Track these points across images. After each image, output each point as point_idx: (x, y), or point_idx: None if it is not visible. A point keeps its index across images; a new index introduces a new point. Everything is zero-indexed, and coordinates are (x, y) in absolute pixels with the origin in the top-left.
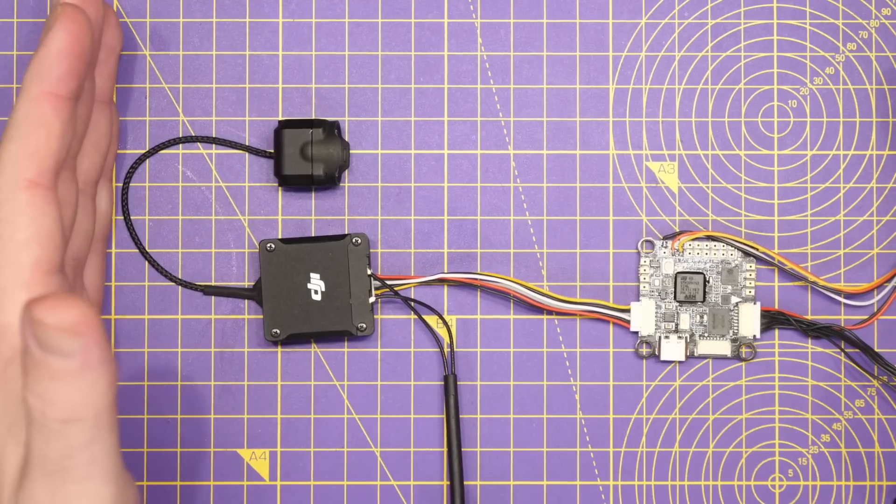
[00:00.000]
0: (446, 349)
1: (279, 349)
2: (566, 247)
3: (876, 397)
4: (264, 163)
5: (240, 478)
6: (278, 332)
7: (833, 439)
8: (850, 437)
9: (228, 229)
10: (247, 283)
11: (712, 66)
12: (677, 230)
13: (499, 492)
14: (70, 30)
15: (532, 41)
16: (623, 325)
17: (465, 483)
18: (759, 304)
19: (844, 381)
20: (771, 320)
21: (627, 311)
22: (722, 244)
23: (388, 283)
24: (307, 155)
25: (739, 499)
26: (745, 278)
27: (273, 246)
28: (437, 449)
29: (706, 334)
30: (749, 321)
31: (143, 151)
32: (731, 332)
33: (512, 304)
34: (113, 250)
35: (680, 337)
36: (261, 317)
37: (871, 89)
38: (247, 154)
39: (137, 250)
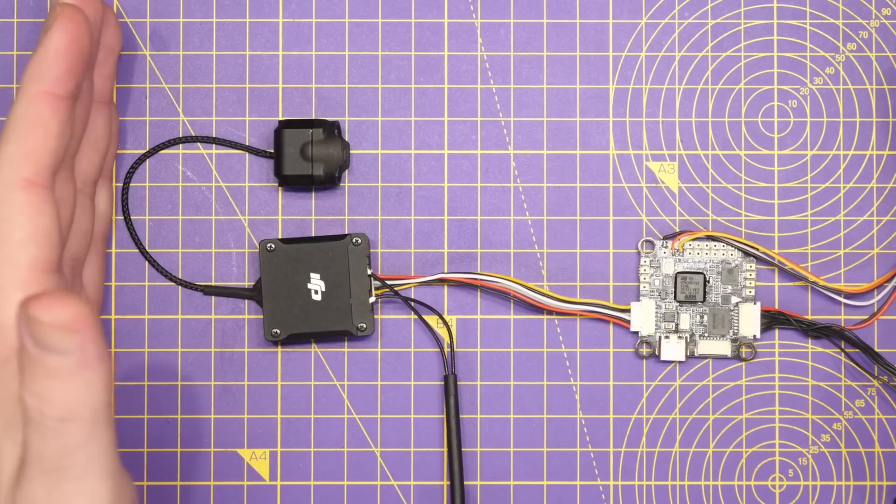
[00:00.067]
0: (446, 349)
1: (279, 349)
2: (566, 247)
3: (876, 397)
4: (264, 163)
5: (240, 478)
6: (278, 332)
7: (833, 439)
8: (850, 437)
9: (228, 229)
10: (247, 283)
11: (712, 66)
12: (677, 230)
13: (499, 492)
14: (68, 30)
15: (532, 41)
16: (623, 325)
17: (465, 483)
18: (759, 304)
19: (844, 381)
20: (771, 320)
21: (627, 311)
22: (722, 244)
23: (388, 283)
24: (307, 155)
25: (739, 499)
26: (746, 278)
27: (273, 246)
28: (437, 449)
29: (706, 334)
30: (749, 321)
31: (143, 151)
32: (731, 332)
33: (512, 304)
34: (113, 250)
35: (680, 337)
36: (261, 317)
37: (871, 89)
38: (247, 154)
39: (137, 250)
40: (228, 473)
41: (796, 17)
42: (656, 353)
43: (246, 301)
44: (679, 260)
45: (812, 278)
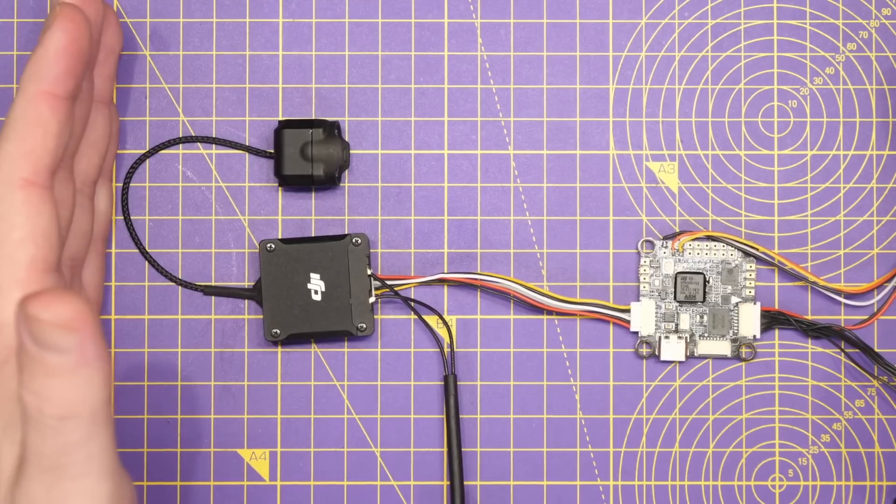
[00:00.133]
0: (446, 349)
1: (279, 349)
2: (566, 247)
3: (876, 397)
4: (264, 163)
5: (240, 478)
6: (278, 332)
7: (833, 439)
8: (850, 437)
9: (228, 229)
10: (247, 283)
11: (712, 66)
12: (677, 230)
13: (499, 492)
14: (68, 29)
15: (532, 41)
16: (623, 325)
17: (465, 483)
18: (759, 304)
19: (844, 381)
20: (771, 320)
21: (627, 311)
22: (722, 244)
23: (388, 283)
24: (307, 155)
25: (739, 499)
26: (745, 278)
27: (273, 246)
28: (437, 449)
29: (706, 334)
30: (749, 321)
31: (143, 151)
32: (731, 332)
33: (512, 304)
34: (113, 250)
35: (680, 337)
36: (261, 317)
37: (871, 89)
38: (247, 154)
39: (137, 250)
40: (228, 473)
41: (796, 17)
42: (656, 353)
43: (246, 301)
44: (679, 260)
45: (812, 278)
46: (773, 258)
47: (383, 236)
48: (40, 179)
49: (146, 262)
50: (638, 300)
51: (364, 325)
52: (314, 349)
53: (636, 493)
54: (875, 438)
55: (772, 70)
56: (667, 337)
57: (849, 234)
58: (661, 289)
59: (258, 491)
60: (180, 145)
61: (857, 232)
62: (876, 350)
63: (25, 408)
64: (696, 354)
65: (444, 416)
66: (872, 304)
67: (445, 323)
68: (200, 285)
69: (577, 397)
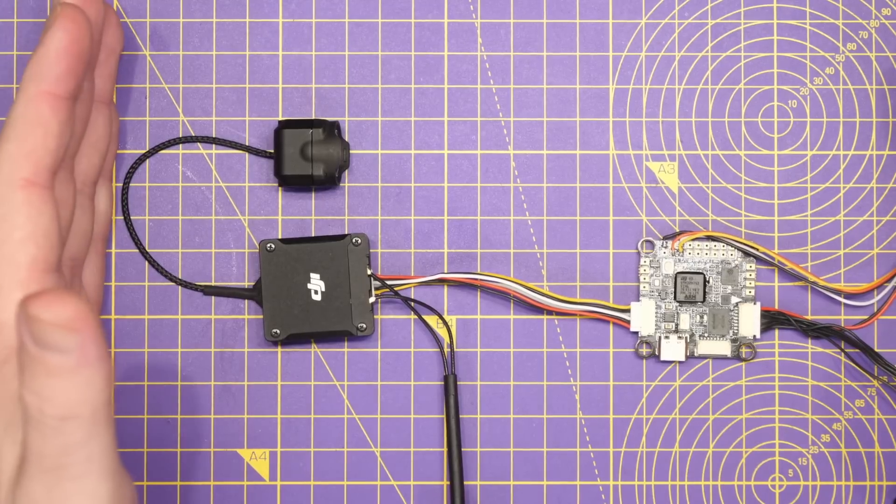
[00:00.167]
0: (446, 349)
1: (279, 349)
2: (566, 247)
3: (876, 397)
4: (264, 163)
5: (240, 478)
6: (278, 332)
7: (833, 439)
8: (850, 437)
9: (228, 229)
10: (247, 283)
11: (712, 66)
12: (677, 230)
13: (499, 492)
14: (69, 29)
15: (532, 41)
16: (623, 325)
17: (465, 483)
18: (759, 304)
19: (844, 381)
20: (771, 320)
21: (627, 311)
22: (722, 244)
23: (388, 283)
24: (307, 155)
25: (739, 499)
26: (745, 278)
27: (273, 246)
28: (437, 449)
29: (706, 334)
30: (749, 321)
31: (143, 151)
32: (731, 332)
33: (512, 304)
34: (113, 250)
35: (680, 337)
36: (261, 317)
37: (871, 89)
38: (247, 154)
39: (137, 250)
40: (228, 473)
41: (796, 17)
42: (656, 353)
43: (246, 301)
44: (679, 260)
45: (812, 278)
46: (773, 258)
47: (383, 236)
48: (41, 179)
49: (146, 262)
50: (638, 300)
51: (364, 325)
52: (314, 349)
53: (636, 493)
54: (875, 438)
55: (772, 70)
56: (667, 337)
57: (849, 234)
58: (661, 289)
59: (258, 491)
60: (180, 145)
61: (857, 232)
62: (876, 350)
63: (26, 408)
64: (696, 354)
65: (444, 416)
66: (872, 304)
67: (445, 323)
68: (200, 285)
69: (577, 397)
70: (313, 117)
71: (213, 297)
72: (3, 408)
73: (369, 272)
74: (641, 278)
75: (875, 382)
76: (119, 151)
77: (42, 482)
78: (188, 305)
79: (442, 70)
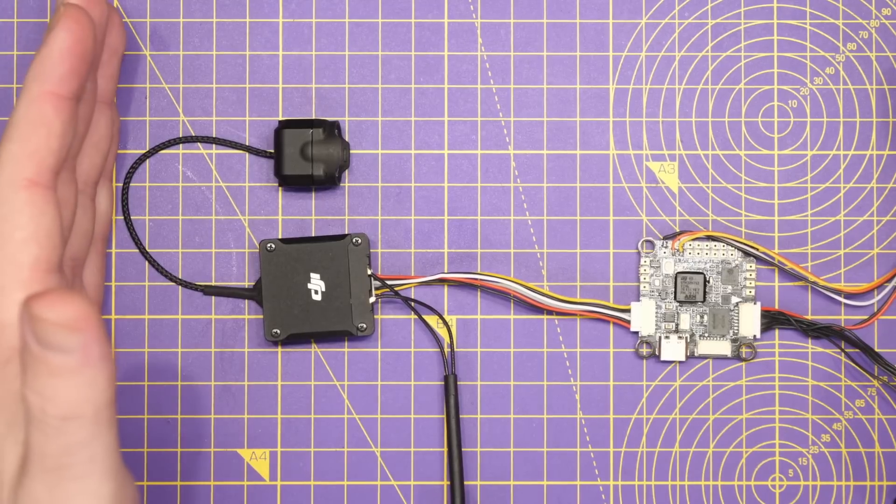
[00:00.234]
0: (446, 349)
1: (279, 349)
2: (566, 247)
3: (876, 397)
4: (264, 163)
5: (240, 478)
6: (278, 332)
7: (833, 439)
8: (850, 437)
9: (228, 229)
10: (247, 283)
11: (712, 66)
12: (677, 230)
13: (499, 492)
14: (73, 30)
15: (532, 41)
16: (623, 325)
17: (465, 483)
18: (759, 304)
19: (844, 381)
20: (771, 320)
21: (627, 311)
22: (722, 244)
23: (388, 283)
24: (307, 155)
25: (739, 499)
26: (746, 278)
27: (273, 246)
28: (437, 449)
29: (706, 334)
30: (749, 321)
31: (143, 151)
32: (731, 332)
33: (512, 304)
34: (113, 250)
35: (680, 337)
36: (261, 317)
37: (871, 89)
38: (247, 154)
39: (137, 250)
40: (228, 473)
41: (796, 17)
42: (656, 353)
43: (246, 301)
44: (679, 260)
45: (812, 278)
46: (773, 258)
47: (383, 236)
48: (44, 180)
49: (146, 262)
50: (638, 300)
51: (364, 325)
52: (314, 349)
53: (636, 493)
54: (875, 438)
55: (772, 70)
56: (667, 337)
57: (849, 234)
58: (662, 289)
59: (258, 491)
60: (180, 145)
61: (857, 232)
62: (876, 350)
63: (29, 408)
64: (696, 354)
65: (444, 416)
66: (872, 304)
67: (445, 323)
68: (200, 285)
69: (577, 397)
70: (313, 117)
71: (213, 297)
72: (5, 408)
73: (369, 272)
74: (641, 278)
75: (875, 382)
76: (119, 151)
77: (44, 482)
78: (188, 305)
79: (442, 70)
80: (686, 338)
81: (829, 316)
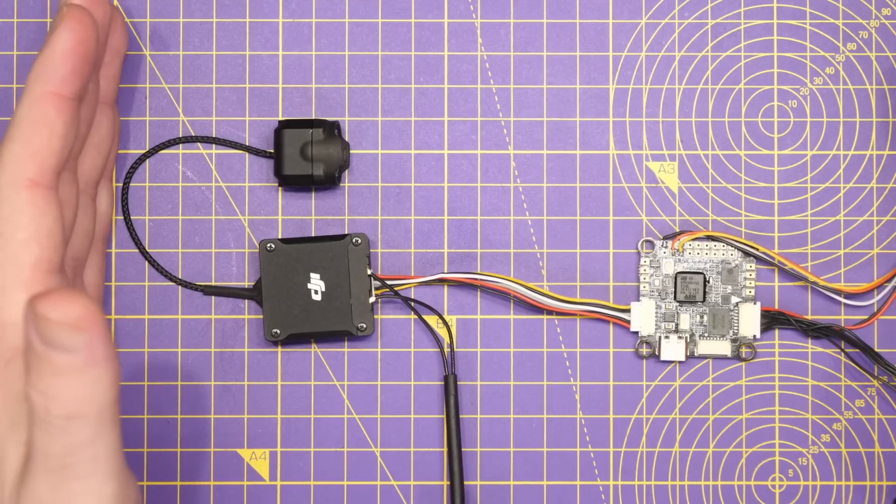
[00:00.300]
0: (446, 349)
1: (279, 349)
2: (566, 247)
3: (876, 397)
4: (264, 163)
5: (240, 478)
6: (278, 332)
7: (833, 439)
8: (850, 437)
9: (228, 229)
10: (247, 283)
11: (712, 66)
12: (677, 230)
13: (499, 492)
14: (75, 30)
15: (532, 41)
16: (623, 325)
17: (465, 483)
18: (759, 304)
19: (844, 381)
20: (771, 320)
21: (627, 311)
22: (722, 244)
23: (388, 283)
24: (307, 155)
25: (739, 499)
26: (745, 278)
27: (273, 246)
28: (437, 449)
29: (706, 334)
30: (749, 321)
31: (143, 151)
32: (731, 332)
33: (512, 304)
34: (113, 250)
35: (680, 337)
36: (261, 317)
37: (871, 89)
38: (247, 154)
39: (137, 250)
40: (228, 473)
41: (796, 17)
42: (656, 353)
43: (246, 301)
44: (679, 260)
45: (812, 278)
46: (773, 258)
47: (383, 236)
48: (45, 180)
49: (146, 262)
50: (638, 300)
51: (364, 325)
52: (314, 349)
53: (636, 493)
54: (875, 438)
55: (772, 70)
56: (667, 337)
57: (849, 234)
58: (661, 289)
59: (258, 491)
60: (180, 145)
61: (857, 232)
62: (876, 350)
63: (32, 407)
64: (696, 354)
65: (444, 416)
66: (872, 304)
67: (445, 323)
68: (200, 285)
69: (577, 397)
70: (313, 117)
71: (213, 297)
72: (7, 408)
73: (369, 272)
74: (641, 278)
75: (875, 382)
76: (119, 151)
77: (47, 481)
78: (188, 305)
79: (442, 70)
80: (686, 338)
81: (829, 316)
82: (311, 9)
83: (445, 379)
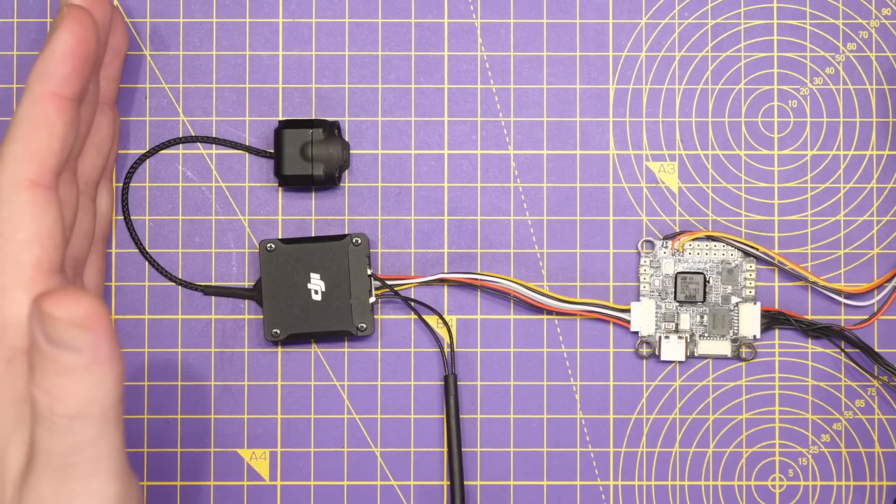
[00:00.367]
0: (446, 349)
1: (279, 349)
2: (566, 247)
3: (876, 397)
4: (264, 163)
5: (240, 478)
6: (278, 332)
7: (833, 439)
8: (850, 437)
9: (228, 229)
10: (247, 283)
11: (712, 66)
12: (677, 230)
13: (499, 492)
14: (76, 31)
15: (532, 41)
16: (623, 325)
17: (465, 483)
18: (759, 304)
19: (844, 381)
20: (771, 320)
21: (627, 311)
22: (722, 244)
23: (388, 283)
24: (307, 155)
25: (739, 499)
26: (745, 278)
27: (273, 246)
28: (437, 449)
29: (706, 334)
30: (749, 321)
31: (143, 151)
32: (731, 332)
33: (512, 304)
34: (113, 250)
35: (680, 337)
36: (261, 317)
37: (871, 89)
38: (247, 154)
39: (137, 250)
40: (228, 473)
41: (796, 17)
42: (656, 353)
43: (246, 301)
44: (679, 260)
45: (812, 278)
46: (773, 258)
47: (383, 236)
48: (45, 180)
49: (146, 262)
50: (638, 300)
51: (364, 325)
52: (314, 349)
53: (636, 493)
54: (875, 438)
55: (772, 70)
56: (667, 337)
57: (849, 234)
58: (661, 289)
59: (258, 491)
60: (180, 145)
61: (857, 232)
62: (876, 350)
63: (36, 406)
64: (696, 354)
65: (444, 416)
66: (872, 304)
67: (445, 323)
68: (200, 285)
69: (577, 397)
70: (313, 117)
71: (213, 297)
72: (9, 407)
73: (369, 272)
74: (641, 278)
75: (875, 382)
76: (119, 151)
77: (50, 481)
78: (188, 305)
79: (442, 70)
80: (686, 338)
81: (829, 316)
82: (311, 9)
83: (445, 379)
